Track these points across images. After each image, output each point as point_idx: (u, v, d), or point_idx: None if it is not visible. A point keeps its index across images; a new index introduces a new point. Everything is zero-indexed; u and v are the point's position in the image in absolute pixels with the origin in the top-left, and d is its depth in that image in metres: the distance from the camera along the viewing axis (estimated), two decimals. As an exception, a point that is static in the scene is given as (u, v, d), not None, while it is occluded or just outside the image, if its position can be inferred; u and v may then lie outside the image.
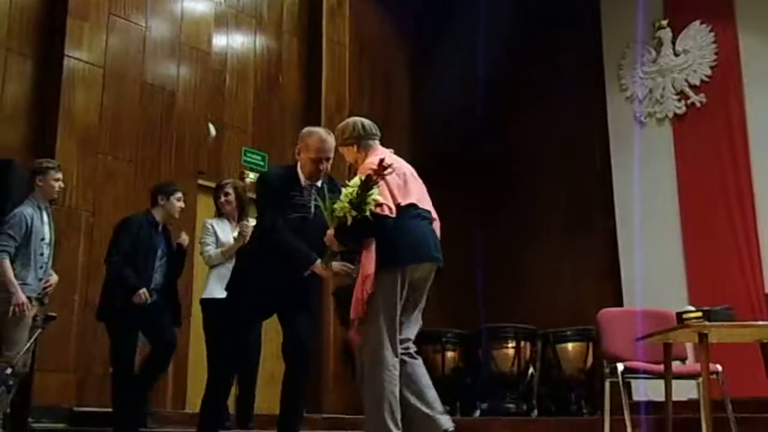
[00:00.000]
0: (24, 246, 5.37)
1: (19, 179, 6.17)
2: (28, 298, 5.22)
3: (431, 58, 10.89)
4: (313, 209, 4.49)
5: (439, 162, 10.76)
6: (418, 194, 4.34)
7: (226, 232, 6.39)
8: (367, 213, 3.98)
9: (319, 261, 4.31)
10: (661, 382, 4.75)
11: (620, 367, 4.87)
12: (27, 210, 5.47)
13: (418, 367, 4.24)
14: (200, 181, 8.08)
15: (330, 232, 4.13)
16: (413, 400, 4.15)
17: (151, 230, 5.91)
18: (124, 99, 7.49)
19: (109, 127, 7.31)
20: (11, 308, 5.10)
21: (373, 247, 4.02)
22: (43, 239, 5.52)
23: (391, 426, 3.93)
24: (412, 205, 4.24)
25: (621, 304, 9.00)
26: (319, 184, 4.58)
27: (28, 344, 5.03)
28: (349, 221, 4.01)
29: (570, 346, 9.06)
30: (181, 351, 7.41)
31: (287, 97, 9.21)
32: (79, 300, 6.77)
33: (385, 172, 4.07)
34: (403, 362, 4.13)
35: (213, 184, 8.23)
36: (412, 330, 4.29)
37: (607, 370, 5.01)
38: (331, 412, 7.87)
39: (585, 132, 10.26)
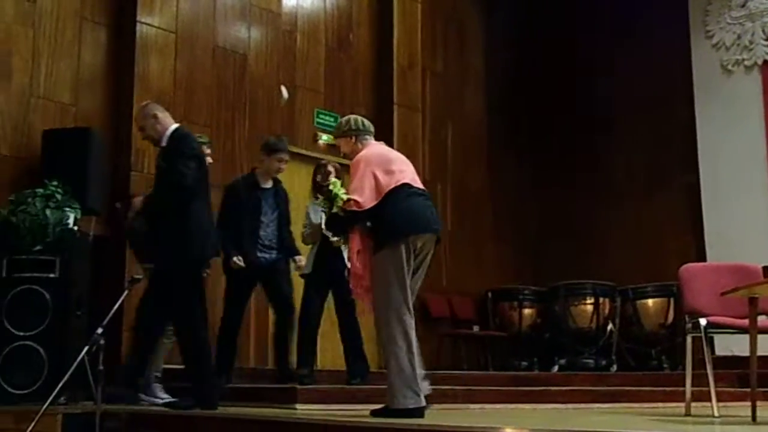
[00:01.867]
0: None
1: (98, 147, 6.34)
2: None
3: (506, 9, 10.69)
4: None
5: (514, 117, 10.66)
6: (411, 175, 4.76)
7: (318, 214, 6.47)
8: (336, 209, 4.63)
9: None
10: (743, 337, 4.63)
11: (703, 321, 4.78)
12: None
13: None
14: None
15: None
16: None
17: (250, 191, 6.02)
18: (196, 64, 7.57)
19: (183, 93, 7.41)
20: None
21: (357, 231, 4.64)
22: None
23: (414, 386, 4.32)
24: (406, 185, 4.64)
25: (704, 260, 8.78)
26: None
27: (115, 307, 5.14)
28: (327, 215, 4.84)
29: (650, 302, 8.98)
30: (262, 311, 7.58)
31: (358, 56, 9.16)
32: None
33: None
34: None
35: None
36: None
37: (689, 325, 4.93)
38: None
39: (668, 83, 9.91)
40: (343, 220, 4.65)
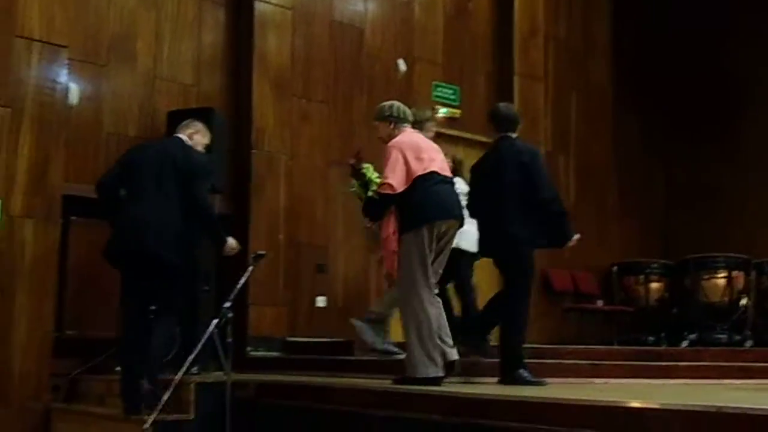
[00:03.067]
0: None
1: (219, 126, 6.47)
2: None
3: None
4: None
5: (641, 86, 10.27)
6: (440, 163, 5.05)
7: None
8: (371, 193, 5.05)
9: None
10: None
11: None
12: None
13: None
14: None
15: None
16: None
17: None
18: (313, 39, 7.61)
19: (301, 69, 7.48)
20: None
21: (392, 215, 4.88)
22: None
23: (434, 355, 4.68)
24: (435, 173, 4.93)
25: None
26: None
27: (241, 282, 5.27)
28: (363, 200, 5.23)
29: (789, 275, 8.57)
30: (382, 287, 7.62)
31: (477, 26, 8.98)
32: (284, 239, 7.05)
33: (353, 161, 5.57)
34: None
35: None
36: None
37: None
38: (532, 342, 7.82)
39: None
40: (378, 203, 4.93)
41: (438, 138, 8.49)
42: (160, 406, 4.54)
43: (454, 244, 5.04)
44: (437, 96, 8.52)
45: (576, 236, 5.35)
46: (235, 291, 4.72)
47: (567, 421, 3.41)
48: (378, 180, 4.92)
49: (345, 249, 7.53)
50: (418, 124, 5.35)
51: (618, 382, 5.66)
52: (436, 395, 4.20)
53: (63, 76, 6.17)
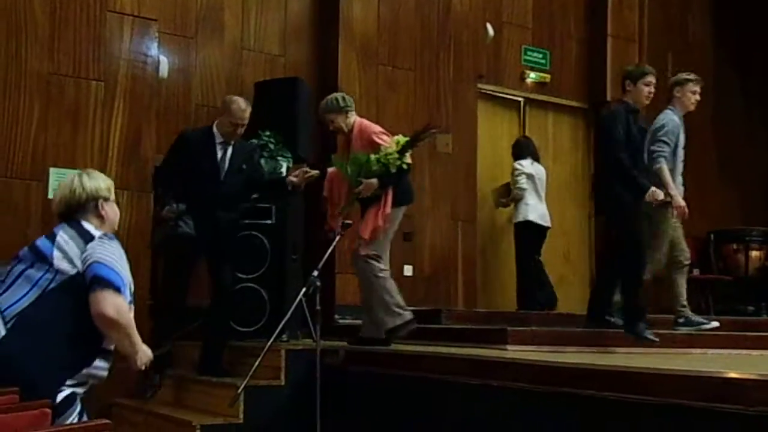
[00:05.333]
0: (671, 153, 5.84)
1: (306, 96, 6.50)
2: None
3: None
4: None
5: (743, 46, 9.81)
6: None
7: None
8: (405, 163, 5.24)
9: None
10: None
11: None
12: (674, 118, 5.89)
13: None
14: (480, 86, 7.98)
15: (372, 181, 5.14)
16: None
17: (628, 116, 5.52)
18: (400, 6, 7.52)
19: (387, 37, 7.41)
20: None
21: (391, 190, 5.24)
22: (684, 147, 6.00)
23: (400, 310, 5.25)
24: None
25: None
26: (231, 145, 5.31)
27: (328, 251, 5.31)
28: (393, 169, 5.17)
29: None
30: (470, 256, 7.59)
31: (569, -13, 8.74)
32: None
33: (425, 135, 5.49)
34: None
35: (493, 89, 8.18)
36: None
37: None
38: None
39: None
40: (404, 173, 5.28)
41: (528, 104, 8.44)
42: (251, 372, 4.62)
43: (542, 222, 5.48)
44: (526, 60, 8.35)
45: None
46: (323, 260, 4.74)
47: (663, 392, 3.31)
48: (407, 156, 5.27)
49: (431, 218, 7.48)
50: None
51: (716, 352, 5.52)
52: (527, 363, 4.13)
53: (153, 49, 6.30)
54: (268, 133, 6.09)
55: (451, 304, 7.27)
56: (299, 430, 4.92)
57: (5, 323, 2.96)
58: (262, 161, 5.92)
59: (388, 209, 5.22)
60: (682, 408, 3.19)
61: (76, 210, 3.28)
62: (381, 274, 5.28)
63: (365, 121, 5.45)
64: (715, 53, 9.67)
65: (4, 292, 3.06)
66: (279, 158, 6.07)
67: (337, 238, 5.03)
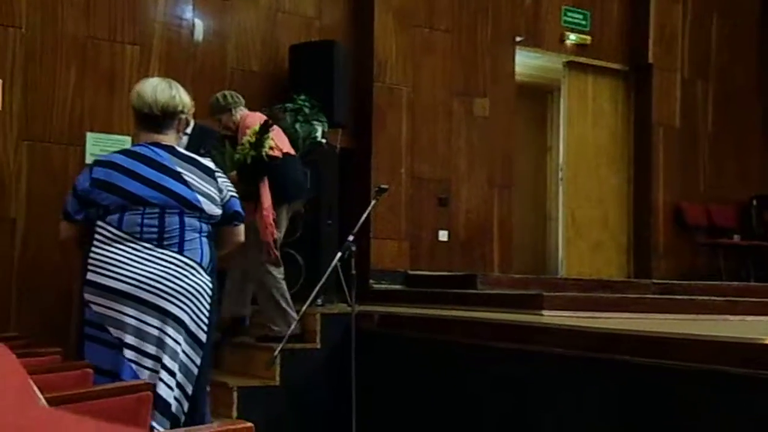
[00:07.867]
0: None
1: (341, 59, 6.44)
2: None
3: None
4: None
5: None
6: (289, 144, 5.31)
7: None
8: (263, 154, 4.90)
9: None
10: None
11: None
12: None
13: None
14: (518, 49, 7.85)
15: (231, 174, 4.59)
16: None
17: None
18: (437, -34, 7.40)
19: (424, -1, 7.31)
20: None
21: (267, 184, 4.95)
22: None
23: (291, 311, 5.09)
24: (290, 153, 5.21)
25: None
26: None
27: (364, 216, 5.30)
28: (249, 161, 4.90)
29: None
30: (506, 221, 7.53)
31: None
32: (405, 172, 7.01)
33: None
34: None
35: (533, 51, 8.03)
36: None
37: None
38: (662, 278, 7.58)
39: None
40: (265, 166, 4.93)
41: (567, 66, 8.29)
42: (287, 336, 4.66)
43: None
44: (566, 22, 8.18)
45: None
46: (358, 225, 4.73)
47: (700, 357, 3.26)
48: (271, 141, 4.96)
49: (467, 183, 7.43)
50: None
51: (755, 319, 5.41)
52: (563, 328, 4.10)
53: (188, 12, 6.27)
54: (303, 97, 6.05)
55: (486, 270, 7.25)
56: (334, 393, 4.98)
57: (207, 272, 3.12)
58: (297, 126, 5.90)
59: (266, 204, 4.94)
60: (721, 374, 3.14)
61: (166, 118, 3.15)
62: (280, 282, 5.17)
63: (249, 116, 5.21)
64: (762, 14, 9.39)
65: (181, 244, 3.07)
66: (314, 122, 6.03)
67: (373, 202, 5.02)
